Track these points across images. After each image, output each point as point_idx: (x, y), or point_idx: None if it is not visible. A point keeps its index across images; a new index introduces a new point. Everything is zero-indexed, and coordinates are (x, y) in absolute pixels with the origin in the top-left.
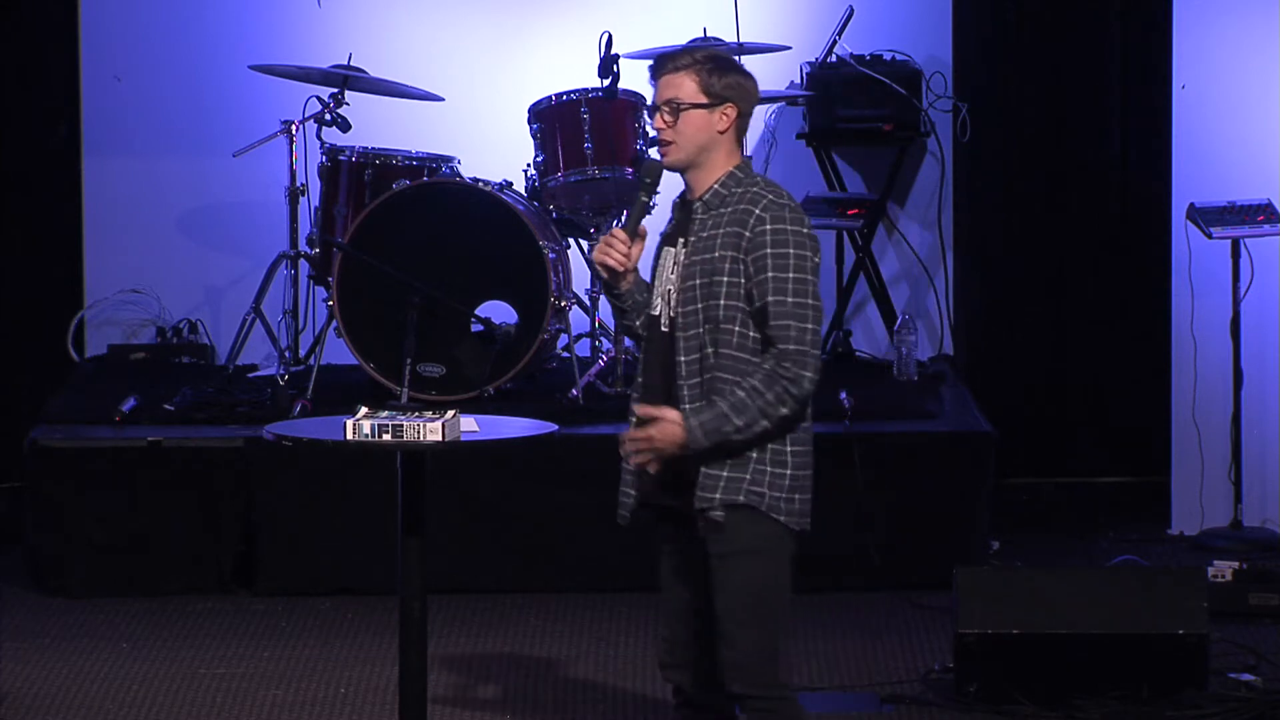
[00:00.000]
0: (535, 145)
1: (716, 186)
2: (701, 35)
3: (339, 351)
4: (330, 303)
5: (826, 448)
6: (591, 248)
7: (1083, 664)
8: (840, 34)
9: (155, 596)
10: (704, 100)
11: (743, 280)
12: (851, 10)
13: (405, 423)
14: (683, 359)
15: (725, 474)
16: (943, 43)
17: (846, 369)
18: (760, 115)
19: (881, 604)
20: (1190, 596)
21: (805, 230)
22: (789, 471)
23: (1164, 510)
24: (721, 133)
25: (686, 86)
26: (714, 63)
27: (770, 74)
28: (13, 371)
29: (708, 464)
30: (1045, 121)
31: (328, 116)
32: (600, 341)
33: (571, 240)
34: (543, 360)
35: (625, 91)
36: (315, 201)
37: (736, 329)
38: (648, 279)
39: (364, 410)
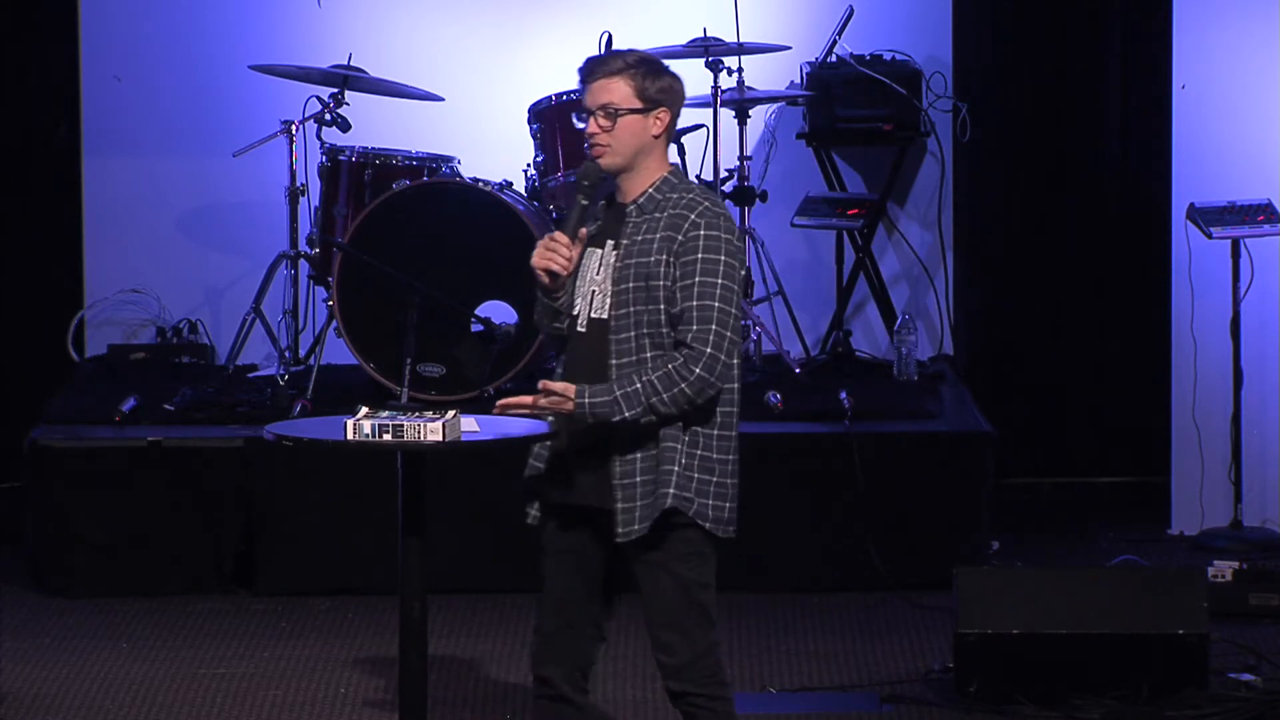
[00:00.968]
0: (535, 145)
1: (651, 191)
2: (701, 35)
3: (339, 351)
4: (330, 303)
5: (827, 448)
6: None
7: (1083, 664)
8: (840, 34)
9: (155, 596)
10: (639, 105)
11: (668, 282)
12: (851, 10)
13: (405, 423)
14: (615, 362)
15: (654, 480)
16: (943, 43)
17: (846, 369)
18: (760, 115)
19: (881, 604)
20: (1190, 596)
21: (736, 242)
22: (714, 479)
23: (1164, 510)
24: (655, 137)
25: (621, 91)
26: (647, 67)
27: (770, 74)
28: (13, 371)
29: (634, 469)
30: (1045, 121)
31: (328, 116)
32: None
33: None
34: (543, 360)
35: None
36: (315, 201)
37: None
38: None
39: (364, 410)
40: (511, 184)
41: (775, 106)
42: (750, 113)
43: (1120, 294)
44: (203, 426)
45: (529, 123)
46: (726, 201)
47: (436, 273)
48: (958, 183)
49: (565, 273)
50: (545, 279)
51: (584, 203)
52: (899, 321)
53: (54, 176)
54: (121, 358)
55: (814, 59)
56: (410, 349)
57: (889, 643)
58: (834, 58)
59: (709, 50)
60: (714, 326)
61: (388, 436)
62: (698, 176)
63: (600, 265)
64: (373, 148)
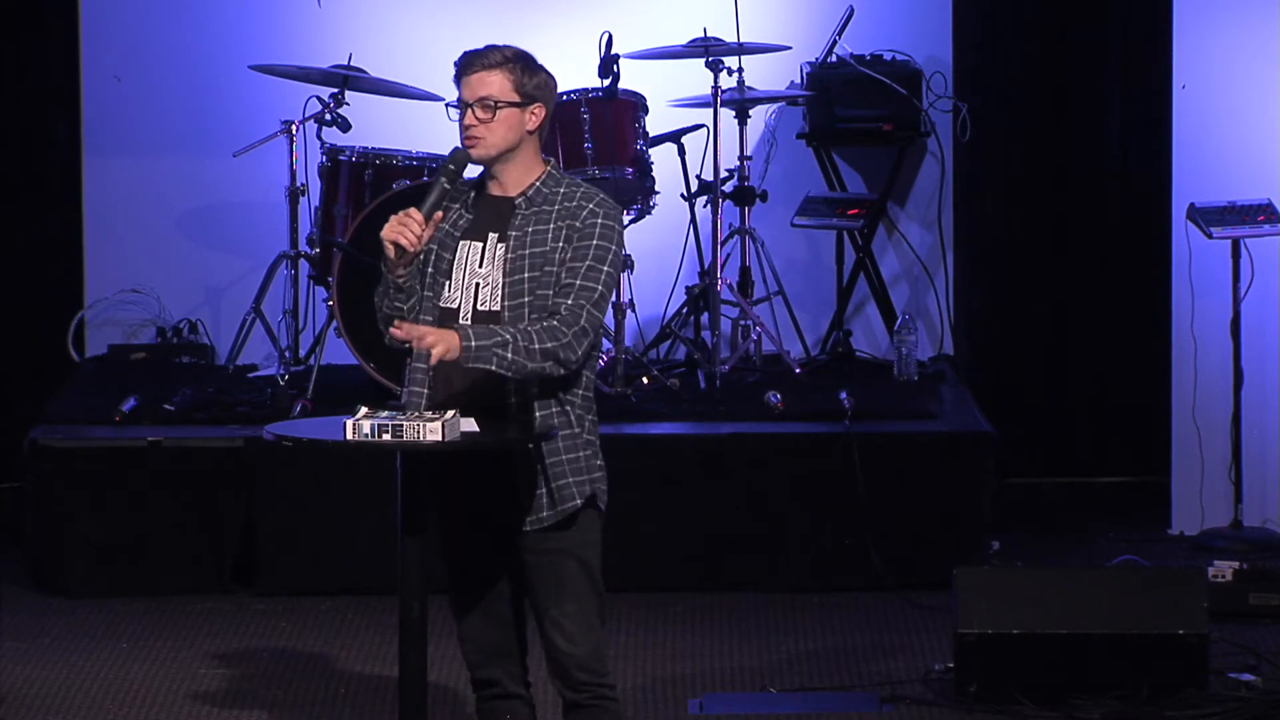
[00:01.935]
0: (537, 145)
1: (538, 184)
2: (702, 35)
3: (339, 351)
4: (330, 303)
5: (827, 448)
6: None
7: (1083, 664)
8: (840, 34)
9: (155, 596)
10: (516, 99)
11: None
12: (852, 10)
13: (405, 423)
14: None
15: (559, 465)
16: (943, 43)
17: (846, 369)
18: (760, 115)
19: (881, 604)
20: (1190, 596)
21: (623, 239)
22: (599, 461)
23: (1164, 510)
24: (530, 131)
25: (500, 84)
26: (524, 62)
27: (770, 74)
28: (13, 371)
29: (534, 458)
30: (1045, 121)
31: (328, 116)
32: (601, 340)
33: None
34: None
35: (625, 91)
36: (315, 201)
37: None
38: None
39: (364, 410)
40: None
41: (775, 106)
42: (750, 113)
43: (1120, 294)
44: (203, 426)
45: None
46: (726, 202)
47: None
48: (958, 183)
49: (412, 249)
50: (391, 251)
51: (445, 186)
52: (899, 321)
53: (54, 176)
54: (121, 358)
55: (814, 59)
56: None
57: (889, 643)
58: (834, 58)
59: (709, 50)
60: (589, 308)
61: (387, 436)
62: (698, 176)
63: (484, 259)
64: (373, 148)
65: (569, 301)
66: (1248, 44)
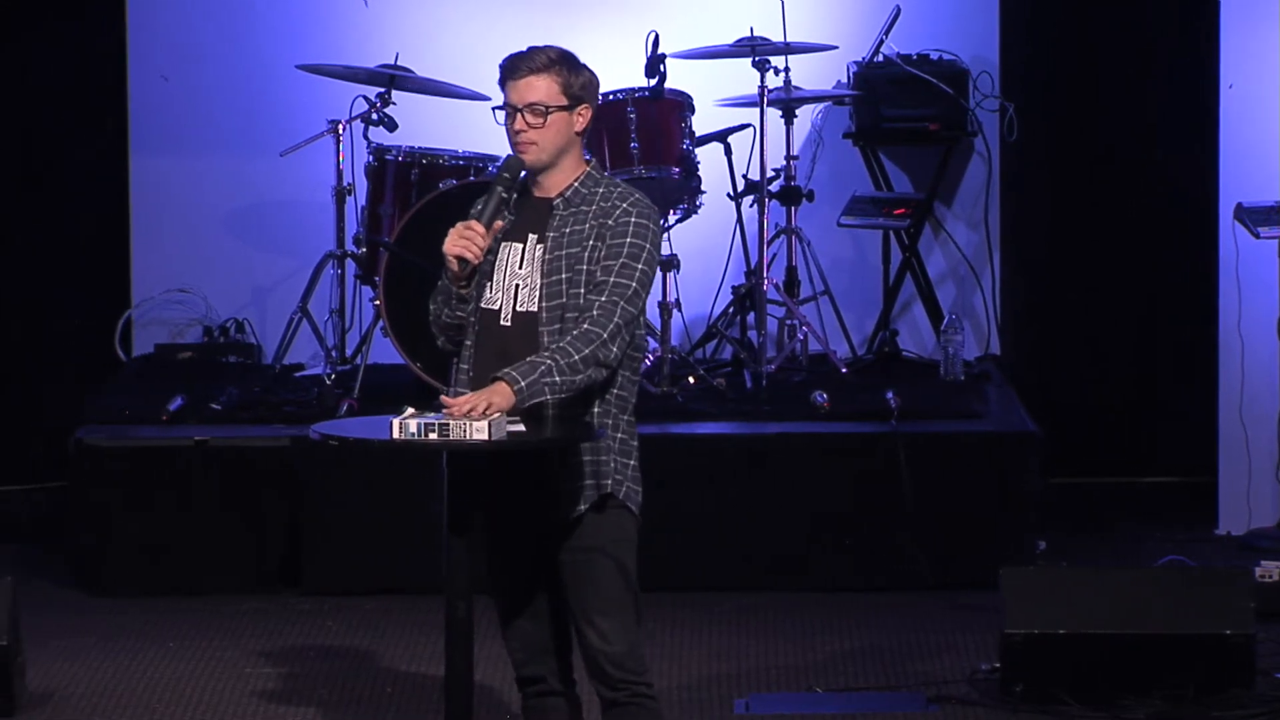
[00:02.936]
0: (581, 145)
1: (576, 185)
2: (748, 34)
3: (385, 351)
4: (376, 302)
5: (872, 448)
6: None
7: (1129, 664)
8: (887, 33)
9: (200, 596)
10: (564, 102)
11: (592, 265)
12: (898, 10)
13: (452, 422)
14: None
15: (594, 462)
16: (989, 42)
17: (892, 369)
18: (807, 115)
19: (927, 604)
20: (1237, 597)
21: (659, 239)
22: (632, 461)
23: (1210, 510)
24: (578, 133)
25: (548, 88)
26: (568, 63)
27: (817, 73)
28: (59, 370)
29: (564, 462)
30: (1092, 120)
31: (374, 116)
32: (646, 341)
33: None
34: None
35: (672, 91)
36: (362, 201)
37: None
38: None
39: (410, 410)
40: None
41: (822, 106)
42: (797, 112)
43: (1167, 293)
44: (249, 426)
45: None
46: (773, 202)
47: None
48: (1004, 182)
49: (476, 261)
50: (455, 265)
51: (503, 194)
52: (945, 321)
53: (101, 176)
54: (168, 357)
55: (861, 58)
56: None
57: (935, 643)
58: (880, 57)
59: (756, 50)
60: (623, 304)
61: (434, 436)
62: (744, 176)
63: (523, 259)
64: (419, 147)
65: (602, 299)
66: None
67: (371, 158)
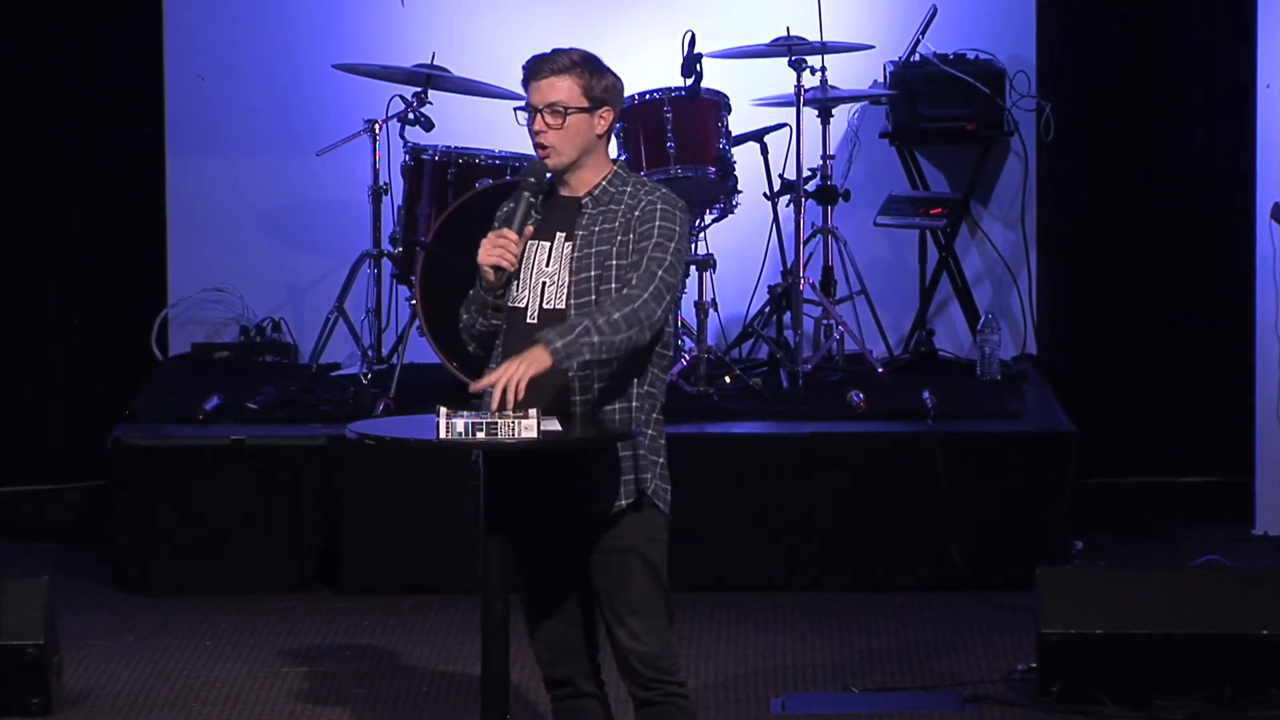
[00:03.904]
0: (618, 144)
1: (604, 184)
2: (785, 34)
3: (422, 350)
4: (413, 301)
5: (908, 448)
6: None
7: (1165, 664)
8: (924, 33)
9: (237, 595)
10: (585, 104)
11: (622, 260)
12: (935, 9)
13: (499, 421)
14: None
15: (630, 458)
16: (1026, 42)
17: (929, 369)
18: (843, 114)
19: (964, 604)
20: (1274, 597)
21: (687, 228)
22: (661, 459)
23: (1248, 510)
24: (599, 136)
25: (569, 90)
26: (591, 66)
27: (853, 73)
28: (97, 369)
29: (599, 460)
30: (1128, 120)
31: (411, 115)
32: (683, 340)
33: None
34: None
35: (708, 90)
36: (398, 200)
37: None
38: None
39: (444, 410)
40: None
41: (858, 106)
42: (833, 112)
43: (1204, 293)
44: (285, 425)
45: None
46: (809, 201)
47: None
48: (1041, 182)
49: (512, 269)
50: (491, 275)
51: (531, 199)
52: (982, 321)
53: (138, 176)
54: (205, 356)
55: (897, 58)
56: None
57: (971, 643)
58: (917, 57)
59: (792, 49)
60: (661, 273)
61: (481, 435)
62: (781, 175)
63: (550, 257)
64: (456, 147)
65: (639, 271)
66: None
67: (408, 157)
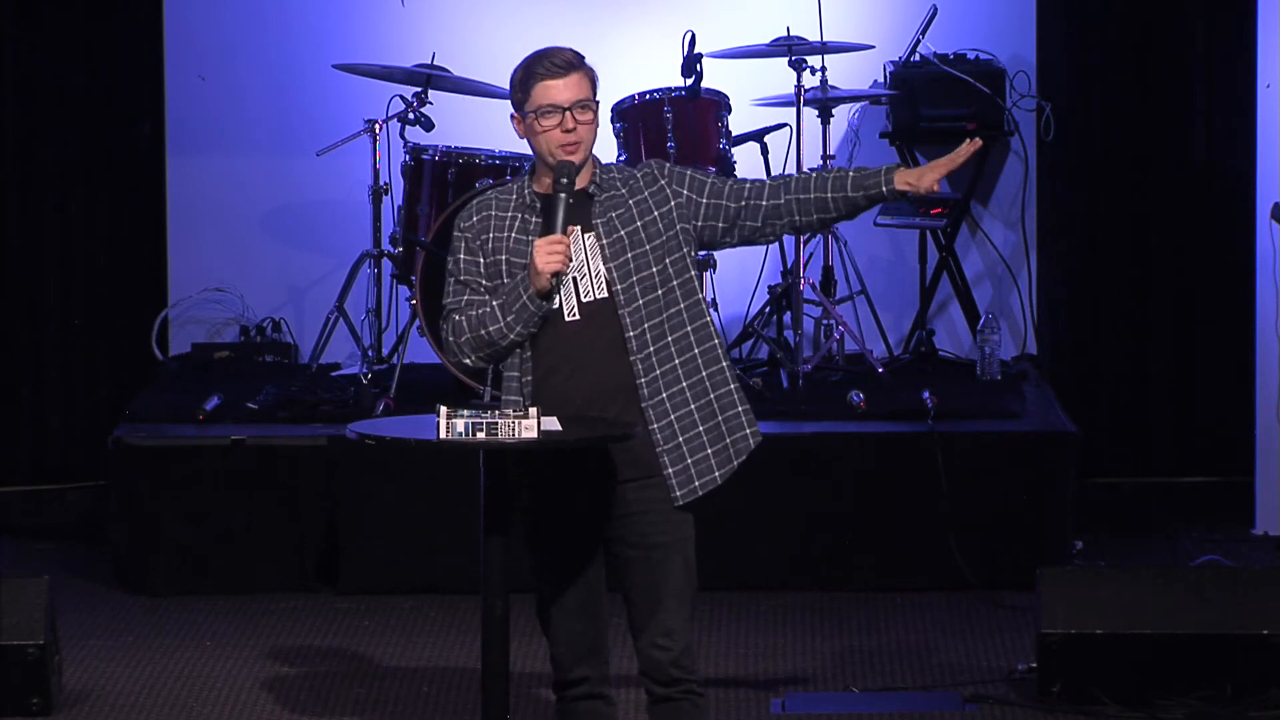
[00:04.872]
0: (618, 144)
1: (598, 173)
2: (785, 34)
3: (422, 350)
4: (413, 301)
5: (909, 448)
6: None
7: (1166, 664)
8: (924, 33)
9: (238, 595)
10: (597, 97)
11: (681, 220)
12: (935, 9)
13: (499, 421)
14: (632, 334)
15: (715, 428)
16: (1026, 42)
17: (929, 369)
18: (844, 114)
19: (964, 604)
20: (1275, 597)
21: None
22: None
23: (1248, 510)
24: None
25: (587, 86)
26: (588, 62)
27: (853, 73)
28: (97, 370)
29: (678, 429)
30: (1129, 120)
31: (411, 115)
32: None
33: None
34: None
35: (708, 90)
36: (398, 200)
37: (689, 275)
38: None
39: (444, 410)
40: None
41: (858, 105)
42: (833, 112)
43: (1204, 293)
44: (286, 425)
45: (612, 122)
46: None
47: None
48: (1041, 182)
49: (565, 270)
50: (547, 282)
51: (569, 200)
52: (982, 321)
53: (138, 175)
54: (205, 356)
55: (897, 58)
56: None
57: (972, 642)
58: (917, 57)
59: (792, 49)
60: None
61: (481, 435)
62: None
63: (575, 251)
64: (456, 147)
65: (750, 182)
66: None
67: (408, 157)
